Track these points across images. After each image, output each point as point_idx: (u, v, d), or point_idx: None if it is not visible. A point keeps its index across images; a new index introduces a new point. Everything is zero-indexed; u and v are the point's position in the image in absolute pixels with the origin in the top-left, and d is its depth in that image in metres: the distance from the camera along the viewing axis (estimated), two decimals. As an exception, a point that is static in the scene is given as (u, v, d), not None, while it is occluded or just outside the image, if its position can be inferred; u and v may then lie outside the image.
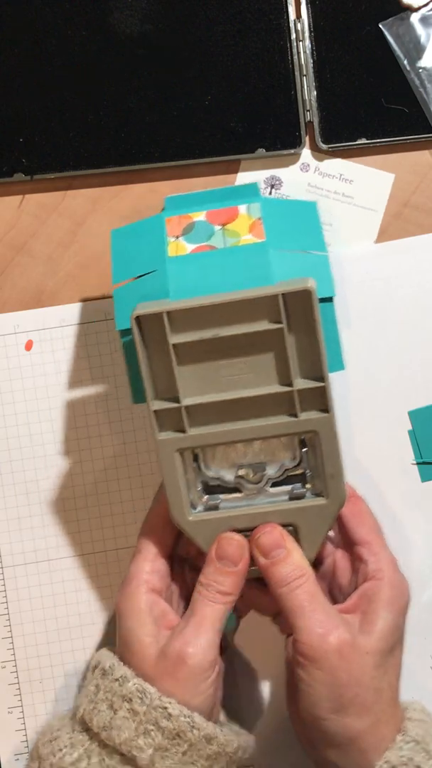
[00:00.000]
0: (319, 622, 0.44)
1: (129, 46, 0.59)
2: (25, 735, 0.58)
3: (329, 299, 0.44)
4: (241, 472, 0.47)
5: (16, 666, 0.59)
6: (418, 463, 0.59)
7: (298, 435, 0.45)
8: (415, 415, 0.59)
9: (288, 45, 0.59)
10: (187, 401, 0.44)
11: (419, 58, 0.59)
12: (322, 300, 0.43)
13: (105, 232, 0.60)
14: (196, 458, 0.46)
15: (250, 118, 0.59)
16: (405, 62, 0.59)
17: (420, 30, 0.59)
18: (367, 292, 0.60)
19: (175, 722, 0.42)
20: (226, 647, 0.49)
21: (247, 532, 0.46)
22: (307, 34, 0.59)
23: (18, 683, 0.58)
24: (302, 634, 0.44)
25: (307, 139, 0.60)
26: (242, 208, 0.48)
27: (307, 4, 0.59)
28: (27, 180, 0.59)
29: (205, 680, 0.44)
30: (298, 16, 0.59)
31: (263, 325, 0.42)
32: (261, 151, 0.59)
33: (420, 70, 0.59)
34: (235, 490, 0.47)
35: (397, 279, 0.60)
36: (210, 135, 0.59)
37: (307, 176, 0.61)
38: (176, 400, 0.44)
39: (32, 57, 0.59)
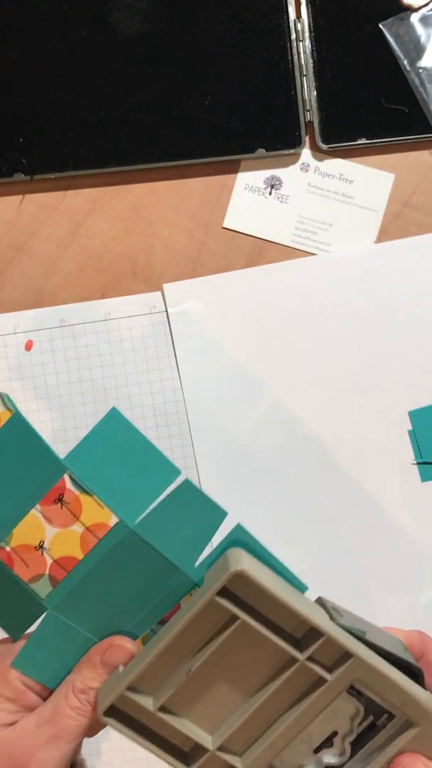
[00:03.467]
0: None
1: (129, 46, 0.59)
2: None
3: (241, 533, 0.37)
4: (321, 754, 0.39)
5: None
6: (418, 463, 0.59)
7: (342, 692, 0.38)
8: (415, 415, 0.59)
9: (288, 45, 0.59)
10: (214, 742, 0.37)
11: (419, 58, 0.59)
12: (236, 541, 0.37)
13: (105, 232, 0.60)
14: None
15: (250, 118, 0.59)
16: (405, 62, 0.59)
17: (420, 30, 0.59)
18: (367, 292, 0.60)
19: None
20: None
21: None
22: (307, 34, 0.59)
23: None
24: None
25: (307, 139, 0.60)
26: (68, 483, 0.38)
27: (307, 4, 0.59)
28: (27, 180, 0.59)
29: None
30: (298, 16, 0.59)
31: (226, 630, 0.36)
32: (261, 151, 0.59)
33: (420, 70, 0.59)
34: None
35: (397, 279, 0.60)
36: (210, 135, 0.59)
37: (307, 176, 0.61)
38: (202, 749, 0.37)
39: (32, 57, 0.59)
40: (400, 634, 0.42)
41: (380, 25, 0.59)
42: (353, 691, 0.39)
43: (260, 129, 0.59)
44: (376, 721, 0.40)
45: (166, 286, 0.60)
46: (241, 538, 0.37)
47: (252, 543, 0.37)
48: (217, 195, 0.61)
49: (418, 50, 0.59)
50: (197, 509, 0.38)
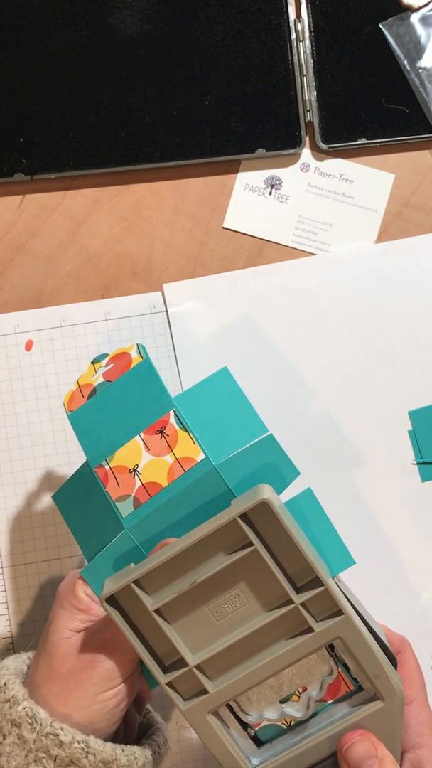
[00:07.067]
0: None
1: (129, 46, 0.59)
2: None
3: (308, 493, 0.41)
4: (285, 705, 0.42)
5: (16, 666, 0.59)
6: (418, 463, 0.59)
7: (323, 647, 0.41)
8: (415, 415, 0.59)
9: (288, 45, 0.59)
10: (195, 659, 0.40)
11: (419, 58, 0.59)
12: (300, 497, 0.40)
13: (105, 232, 0.60)
14: (231, 710, 0.42)
15: (250, 118, 0.59)
16: (405, 62, 0.59)
17: (420, 30, 0.59)
18: (367, 292, 0.60)
19: (67, 749, 0.40)
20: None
21: (321, 763, 0.42)
22: (307, 34, 0.59)
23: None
24: None
25: (307, 139, 0.60)
26: (172, 418, 0.43)
27: (307, 4, 0.59)
28: (27, 180, 0.59)
29: (109, 689, 0.41)
30: (298, 16, 0.59)
31: (236, 553, 0.39)
32: (261, 151, 0.59)
33: (420, 70, 0.59)
34: (290, 724, 0.43)
35: (397, 279, 0.60)
36: (210, 135, 0.59)
37: (307, 176, 0.61)
38: (183, 662, 0.40)
39: (32, 57, 0.59)
40: (384, 630, 0.45)
41: (380, 25, 0.59)
42: (332, 653, 0.41)
43: (260, 129, 0.59)
44: (346, 692, 0.42)
45: (166, 286, 0.60)
46: (307, 500, 0.41)
47: (316, 507, 0.41)
48: (217, 195, 0.61)
49: (418, 50, 0.59)
50: (274, 463, 0.41)
